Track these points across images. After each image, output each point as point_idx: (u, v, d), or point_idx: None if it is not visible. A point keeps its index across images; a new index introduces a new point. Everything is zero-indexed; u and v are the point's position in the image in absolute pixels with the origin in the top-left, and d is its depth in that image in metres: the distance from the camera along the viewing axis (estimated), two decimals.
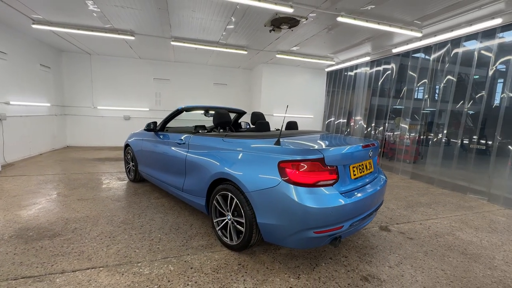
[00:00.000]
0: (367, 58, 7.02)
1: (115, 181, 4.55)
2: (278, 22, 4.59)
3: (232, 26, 5.14)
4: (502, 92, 4.47)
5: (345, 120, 8.58)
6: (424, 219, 3.37)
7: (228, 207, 2.38)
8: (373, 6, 4.01)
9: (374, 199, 2.28)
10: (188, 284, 1.89)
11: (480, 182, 4.57)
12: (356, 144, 2.31)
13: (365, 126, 7.78)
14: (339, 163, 2.08)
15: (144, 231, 2.73)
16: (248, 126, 4.82)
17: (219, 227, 2.52)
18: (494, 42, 4.54)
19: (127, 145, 4.58)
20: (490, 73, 4.61)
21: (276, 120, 9.12)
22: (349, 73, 8.36)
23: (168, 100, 9.17)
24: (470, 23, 4.49)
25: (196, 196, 2.83)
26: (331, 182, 2.00)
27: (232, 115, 4.61)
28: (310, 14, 4.34)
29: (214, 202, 2.52)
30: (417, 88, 6.05)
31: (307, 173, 1.93)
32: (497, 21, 4.16)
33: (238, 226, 2.31)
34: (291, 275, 2.08)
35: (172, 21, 4.98)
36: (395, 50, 5.94)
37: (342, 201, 1.93)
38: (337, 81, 9.13)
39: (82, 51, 7.91)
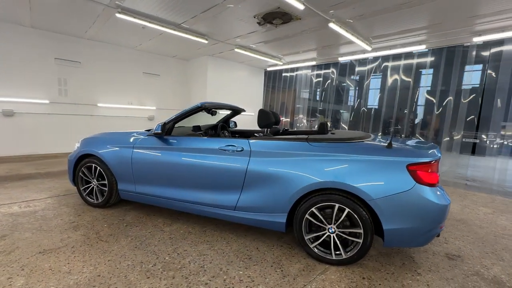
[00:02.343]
0: (313, 63, 7.83)
1: (70, 210, 3.00)
2: (272, 16, 4.37)
3: (209, 12, 4.41)
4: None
5: (288, 119, 9.27)
6: None
7: (332, 220, 2.14)
8: (358, 18, 4.53)
9: None
10: None
11: None
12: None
13: (305, 122, 8.74)
14: None
15: (215, 274, 2.01)
16: (235, 126, 4.34)
17: (315, 243, 2.22)
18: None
19: (86, 156, 3.13)
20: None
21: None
22: (290, 74, 9.04)
23: (79, 90, 6.80)
24: (404, 46, 5.90)
25: (267, 213, 2.35)
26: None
27: (220, 115, 3.96)
28: (304, 16, 4.39)
29: (307, 216, 2.20)
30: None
31: (433, 174, 2.03)
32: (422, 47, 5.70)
33: (348, 237, 2.13)
34: (414, 273, 2.14)
35: None
36: (341, 59, 6.95)
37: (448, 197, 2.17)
38: (276, 80, 9.65)
39: None
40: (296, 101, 9.28)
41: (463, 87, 5.85)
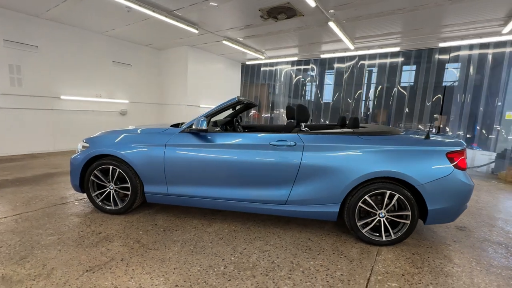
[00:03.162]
0: (294, 58, 8.07)
1: (84, 220, 2.59)
2: (278, 11, 4.38)
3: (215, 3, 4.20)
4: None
5: (269, 114, 9.40)
6: None
7: (383, 205, 2.36)
8: (353, 19, 4.86)
9: None
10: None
11: None
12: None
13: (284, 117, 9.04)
14: None
15: (291, 268, 2.04)
16: (239, 120, 4.28)
17: (366, 228, 2.42)
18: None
19: (97, 158, 2.74)
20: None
21: (204, 111, 8.33)
22: (269, 68, 9.14)
23: (36, 79, 5.74)
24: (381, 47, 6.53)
25: (319, 204, 2.46)
26: None
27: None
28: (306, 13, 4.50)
29: (360, 204, 2.38)
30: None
31: (464, 160, 2.40)
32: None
33: (397, 220, 2.37)
34: (446, 245, 2.51)
35: None
36: (323, 56, 7.33)
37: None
38: (255, 75, 9.64)
39: None
40: (274, 96, 9.48)
41: (402, 84, 6.99)
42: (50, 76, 5.93)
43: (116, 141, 2.76)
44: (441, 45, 5.92)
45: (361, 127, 2.97)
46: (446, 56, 6.21)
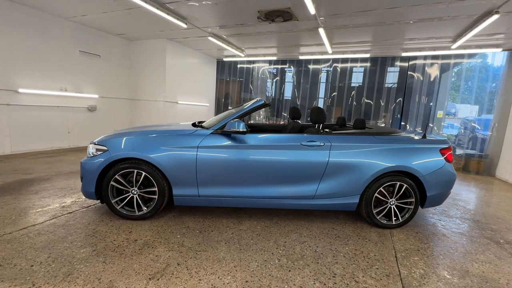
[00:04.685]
0: (273, 58, 8.33)
1: (109, 229, 2.41)
2: (276, 14, 4.55)
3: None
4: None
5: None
6: None
7: (394, 194, 2.81)
8: (339, 28, 5.32)
9: None
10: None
11: None
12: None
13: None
14: None
15: (334, 255, 2.32)
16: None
17: (380, 215, 2.84)
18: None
19: (118, 161, 2.58)
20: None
21: (182, 108, 8.06)
22: (246, 65, 9.23)
23: None
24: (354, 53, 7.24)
25: (342, 197, 2.79)
26: None
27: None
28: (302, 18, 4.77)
29: (376, 195, 2.78)
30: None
31: (451, 154, 2.99)
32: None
33: (403, 205, 2.85)
34: (439, 219, 3.09)
35: None
36: (301, 57, 7.76)
37: None
38: (231, 71, 9.61)
39: None
40: (251, 94, 9.64)
41: (352, 84, 8.12)
42: (5, 65, 5.03)
43: (141, 143, 2.62)
44: (404, 54, 6.88)
45: (368, 127, 3.39)
46: (405, 64, 7.28)
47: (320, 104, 8.72)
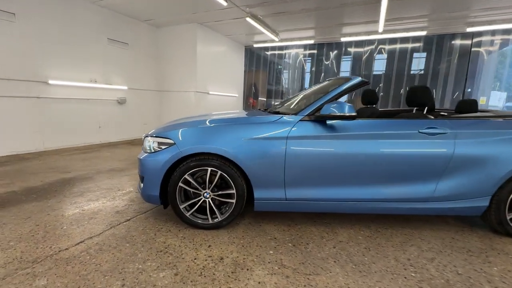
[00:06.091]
0: (311, 41, 7.62)
1: (187, 244, 1.93)
2: None
3: None
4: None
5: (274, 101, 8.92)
6: None
7: None
8: None
9: None
10: None
11: None
12: None
13: None
14: None
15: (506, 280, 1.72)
16: None
17: None
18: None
19: (186, 158, 2.06)
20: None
21: (212, 99, 7.54)
22: (277, 52, 8.57)
23: (10, 56, 4.41)
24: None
25: (466, 199, 2.16)
26: None
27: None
28: None
29: None
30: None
31: None
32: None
33: None
34: None
35: None
36: (343, 39, 7.04)
37: None
38: (259, 60, 8.98)
39: None
40: (282, 82, 8.99)
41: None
42: (33, 53, 4.63)
43: (213, 135, 2.09)
44: (468, 29, 6.01)
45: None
46: (467, 42, 6.39)
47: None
